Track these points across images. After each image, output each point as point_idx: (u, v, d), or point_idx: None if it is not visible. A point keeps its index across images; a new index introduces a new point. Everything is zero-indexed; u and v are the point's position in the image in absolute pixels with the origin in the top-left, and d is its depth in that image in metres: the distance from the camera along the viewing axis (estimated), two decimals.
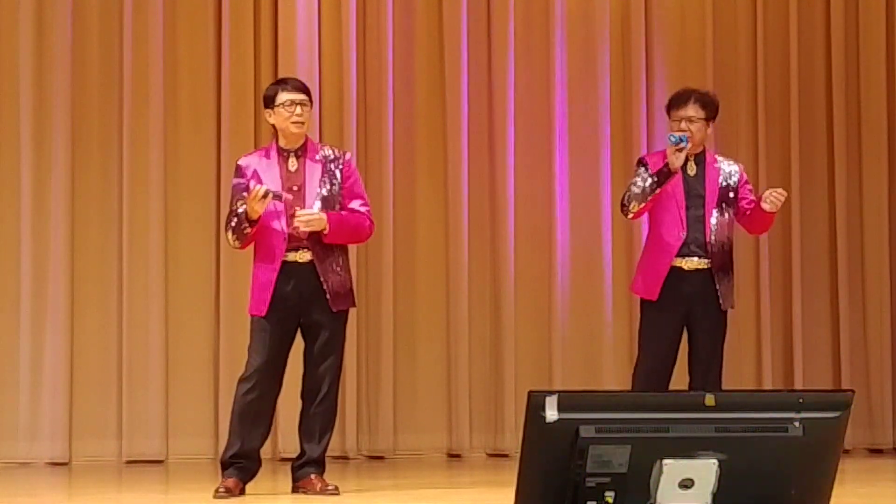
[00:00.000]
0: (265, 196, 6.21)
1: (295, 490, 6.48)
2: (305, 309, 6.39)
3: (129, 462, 8.34)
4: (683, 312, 6.72)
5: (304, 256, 6.37)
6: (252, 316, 6.43)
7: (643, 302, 6.82)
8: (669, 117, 6.81)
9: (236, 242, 6.41)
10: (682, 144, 6.59)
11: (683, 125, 6.70)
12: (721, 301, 6.74)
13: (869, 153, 9.23)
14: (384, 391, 8.69)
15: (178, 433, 8.45)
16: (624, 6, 9.10)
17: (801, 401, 3.93)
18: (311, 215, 6.31)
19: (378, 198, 8.73)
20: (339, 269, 6.44)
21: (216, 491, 6.31)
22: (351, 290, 6.52)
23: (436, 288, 8.84)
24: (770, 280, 9.09)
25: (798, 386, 8.87)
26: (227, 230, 6.43)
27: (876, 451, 9.08)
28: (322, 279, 6.37)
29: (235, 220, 6.35)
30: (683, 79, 9.06)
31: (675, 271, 6.69)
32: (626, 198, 6.75)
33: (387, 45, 8.79)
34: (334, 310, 6.40)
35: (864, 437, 9.08)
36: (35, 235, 8.39)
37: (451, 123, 8.85)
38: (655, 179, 6.63)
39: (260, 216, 6.27)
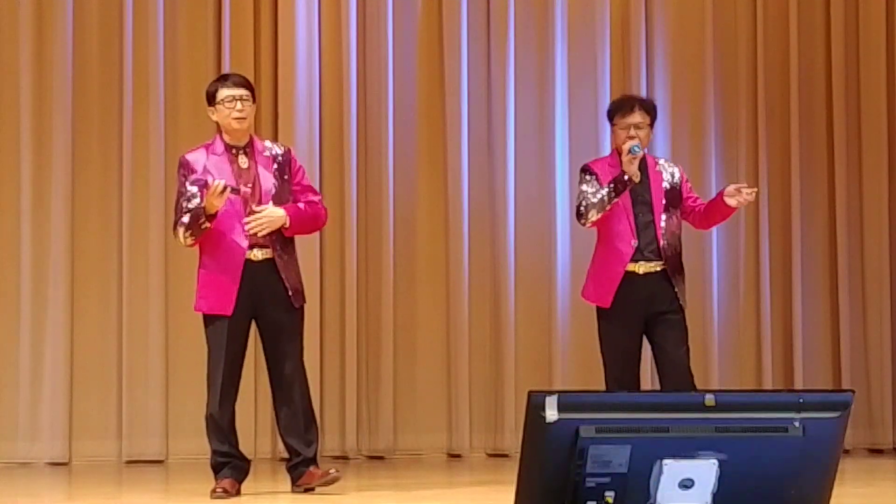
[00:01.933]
0: (224, 190, 6.15)
1: (295, 489, 6.47)
2: (260, 308, 6.36)
3: (129, 462, 8.34)
4: (640, 317, 6.71)
5: (257, 255, 6.32)
6: (210, 315, 6.35)
7: (598, 311, 6.80)
8: (614, 124, 6.84)
9: (190, 239, 6.30)
10: (639, 153, 6.64)
11: (632, 132, 6.73)
12: (680, 300, 6.74)
13: (869, 153, 9.22)
14: (384, 391, 8.69)
15: (178, 433, 8.44)
16: (624, 6, 9.10)
17: (801, 401, 3.93)
18: (261, 219, 6.27)
19: (378, 198, 8.74)
20: (294, 265, 6.43)
21: (213, 492, 6.31)
22: (303, 286, 6.49)
23: (436, 288, 8.84)
24: (770, 280, 9.09)
25: (798, 386, 8.87)
26: (178, 227, 6.31)
27: (876, 451, 9.07)
28: (283, 276, 6.34)
29: (190, 216, 6.26)
30: (683, 79, 9.08)
31: (629, 276, 6.69)
32: (582, 206, 6.76)
33: (387, 46, 8.79)
34: (296, 305, 6.39)
35: (864, 437, 9.08)
36: (35, 235, 8.39)
37: (451, 123, 8.85)
38: (613, 188, 6.65)
39: (217, 211, 6.21)
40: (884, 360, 9.15)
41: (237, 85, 6.42)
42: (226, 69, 8.52)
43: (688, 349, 6.79)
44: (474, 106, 8.91)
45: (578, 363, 8.89)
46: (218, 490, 6.30)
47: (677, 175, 6.89)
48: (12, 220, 8.41)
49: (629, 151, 6.63)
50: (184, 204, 6.31)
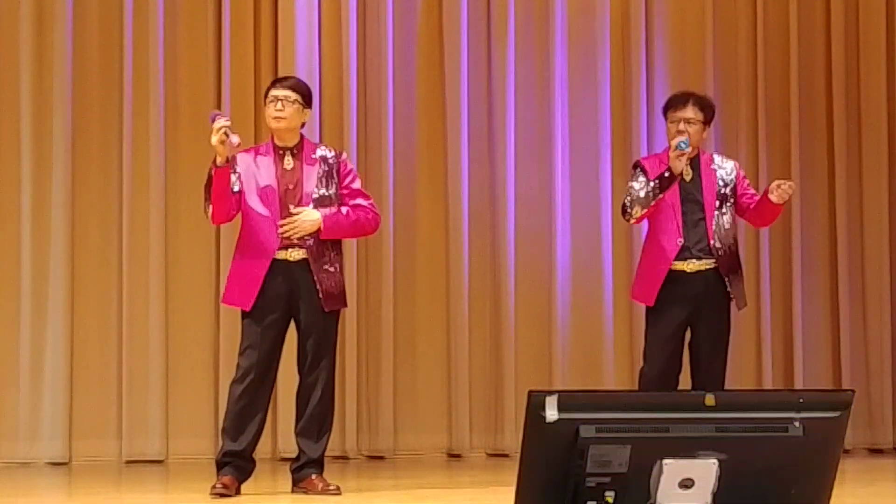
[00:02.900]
0: (220, 129, 6.20)
1: (296, 490, 6.48)
2: (297, 308, 6.39)
3: (129, 462, 8.34)
4: (687, 315, 6.66)
5: (295, 255, 6.36)
6: (241, 310, 6.40)
7: (647, 309, 6.78)
8: (667, 118, 6.80)
9: (207, 205, 6.36)
10: (687, 149, 6.59)
11: (682, 126, 6.68)
12: (735, 301, 6.73)
13: (869, 153, 9.23)
14: (384, 391, 8.69)
15: (178, 433, 8.44)
16: (624, 6, 9.10)
17: (801, 401, 3.93)
18: (294, 222, 6.31)
19: (378, 198, 8.71)
20: (333, 268, 6.43)
21: (212, 488, 6.31)
22: (344, 290, 6.50)
23: (436, 288, 8.84)
24: (770, 280, 9.09)
25: (798, 386, 8.87)
26: (204, 207, 6.44)
27: (876, 451, 9.07)
28: (315, 278, 6.36)
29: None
30: (683, 79, 9.06)
31: (676, 275, 6.66)
32: (627, 202, 6.73)
33: (387, 45, 8.79)
34: (326, 310, 6.40)
35: (864, 437, 9.08)
36: (35, 235, 8.39)
37: (451, 123, 8.85)
38: (658, 184, 6.62)
39: (227, 163, 6.24)
40: (884, 360, 9.15)
41: (284, 86, 6.47)
42: (226, 69, 8.55)
43: (726, 355, 6.75)
44: (474, 106, 8.91)
45: (578, 363, 8.89)
46: (217, 486, 6.30)
47: (733, 172, 6.82)
48: (13, 220, 8.41)
49: (676, 147, 6.58)
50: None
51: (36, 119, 8.43)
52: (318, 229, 6.35)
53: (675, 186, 6.68)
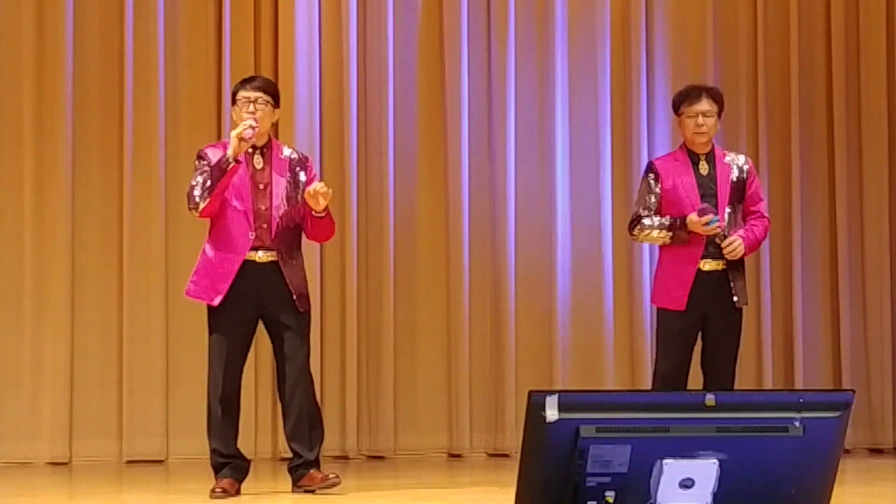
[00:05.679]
0: (247, 125, 6.25)
1: (296, 490, 6.48)
2: (267, 309, 6.41)
3: (129, 462, 8.35)
4: (700, 314, 6.60)
5: (263, 257, 6.37)
6: (207, 307, 6.41)
7: (660, 310, 6.72)
8: (681, 113, 6.71)
9: (205, 199, 6.27)
10: (715, 226, 6.51)
11: (700, 120, 6.64)
12: (736, 299, 6.62)
13: (869, 153, 9.23)
14: (384, 391, 8.69)
15: (178, 433, 8.45)
16: (624, 6, 9.10)
17: (801, 401, 3.92)
18: (327, 190, 6.30)
19: (378, 197, 8.75)
20: (300, 270, 6.46)
21: (212, 491, 6.32)
22: (308, 291, 6.52)
23: (436, 288, 8.84)
24: (770, 280, 9.09)
25: (798, 386, 8.87)
26: (191, 199, 6.34)
27: (876, 451, 9.08)
28: (287, 280, 6.38)
29: (206, 174, 6.30)
30: (683, 79, 9.05)
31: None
32: (636, 224, 6.70)
33: (387, 45, 8.79)
34: (301, 310, 6.42)
35: (864, 437, 9.08)
36: (35, 235, 8.40)
37: (451, 123, 8.85)
38: (670, 234, 6.59)
39: (238, 160, 6.24)
40: (884, 360, 9.15)
41: (255, 88, 6.47)
42: (226, 69, 8.55)
43: (736, 353, 6.69)
44: (474, 106, 8.92)
45: (578, 363, 8.89)
46: (217, 490, 6.32)
47: (746, 168, 6.74)
48: (13, 219, 8.42)
49: (706, 224, 6.50)
50: (197, 178, 6.36)
51: (36, 119, 8.43)
52: (315, 212, 6.34)
53: (694, 185, 6.65)
